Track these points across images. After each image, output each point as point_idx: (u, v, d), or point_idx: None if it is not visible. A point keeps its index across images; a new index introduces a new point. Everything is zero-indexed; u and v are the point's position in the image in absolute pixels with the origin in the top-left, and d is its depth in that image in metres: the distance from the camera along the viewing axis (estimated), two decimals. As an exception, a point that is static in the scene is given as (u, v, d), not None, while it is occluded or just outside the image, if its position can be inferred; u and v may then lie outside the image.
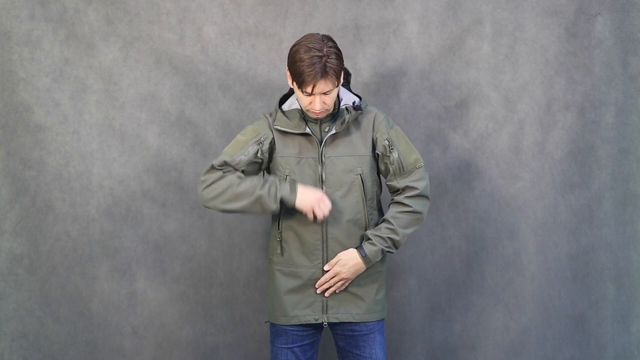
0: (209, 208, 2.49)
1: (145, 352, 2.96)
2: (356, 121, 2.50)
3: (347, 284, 2.48)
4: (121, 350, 2.95)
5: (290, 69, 2.40)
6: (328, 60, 2.34)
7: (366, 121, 2.52)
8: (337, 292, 2.48)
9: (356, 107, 2.48)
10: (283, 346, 2.51)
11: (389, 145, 2.49)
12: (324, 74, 2.33)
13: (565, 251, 3.03)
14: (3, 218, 2.89)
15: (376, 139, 2.50)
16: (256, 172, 2.52)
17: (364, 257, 2.45)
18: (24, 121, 2.90)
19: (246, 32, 2.97)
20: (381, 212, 2.57)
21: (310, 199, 2.41)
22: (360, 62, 2.97)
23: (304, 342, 2.51)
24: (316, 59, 2.33)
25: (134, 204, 2.96)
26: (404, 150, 2.51)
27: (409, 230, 2.49)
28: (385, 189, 2.63)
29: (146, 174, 2.96)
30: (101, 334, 2.94)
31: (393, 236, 2.46)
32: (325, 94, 2.38)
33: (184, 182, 2.97)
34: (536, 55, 3.01)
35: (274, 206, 2.42)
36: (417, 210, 2.49)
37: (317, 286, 2.48)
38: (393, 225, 2.46)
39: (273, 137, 2.50)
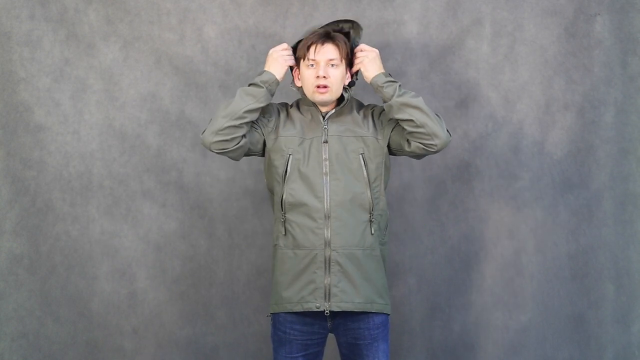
0: (218, 144, 2.41)
1: (145, 352, 2.96)
2: (357, 110, 2.55)
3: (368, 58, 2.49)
4: (121, 350, 2.95)
5: (295, 51, 2.49)
6: (333, 31, 2.48)
7: (364, 108, 2.58)
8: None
9: (350, 84, 2.54)
10: (287, 355, 2.47)
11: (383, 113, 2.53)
12: (328, 37, 2.45)
13: (565, 251, 3.03)
14: (3, 218, 2.89)
15: (375, 117, 2.55)
16: (257, 140, 2.51)
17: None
18: (24, 121, 2.90)
19: (246, 32, 2.97)
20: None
21: (274, 57, 2.47)
22: (360, 62, 2.97)
23: (308, 352, 2.48)
24: (319, 29, 2.48)
25: (134, 204, 2.96)
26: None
27: (417, 104, 2.45)
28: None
29: (146, 174, 2.96)
30: (101, 334, 2.94)
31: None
32: (331, 65, 2.44)
33: (184, 182, 2.97)
34: (535, 55, 3.01)
35: (258, 81, 2.45)
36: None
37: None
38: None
39: (279, 116, 2.54)
